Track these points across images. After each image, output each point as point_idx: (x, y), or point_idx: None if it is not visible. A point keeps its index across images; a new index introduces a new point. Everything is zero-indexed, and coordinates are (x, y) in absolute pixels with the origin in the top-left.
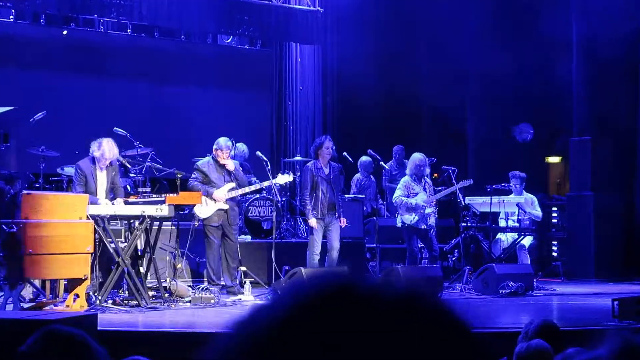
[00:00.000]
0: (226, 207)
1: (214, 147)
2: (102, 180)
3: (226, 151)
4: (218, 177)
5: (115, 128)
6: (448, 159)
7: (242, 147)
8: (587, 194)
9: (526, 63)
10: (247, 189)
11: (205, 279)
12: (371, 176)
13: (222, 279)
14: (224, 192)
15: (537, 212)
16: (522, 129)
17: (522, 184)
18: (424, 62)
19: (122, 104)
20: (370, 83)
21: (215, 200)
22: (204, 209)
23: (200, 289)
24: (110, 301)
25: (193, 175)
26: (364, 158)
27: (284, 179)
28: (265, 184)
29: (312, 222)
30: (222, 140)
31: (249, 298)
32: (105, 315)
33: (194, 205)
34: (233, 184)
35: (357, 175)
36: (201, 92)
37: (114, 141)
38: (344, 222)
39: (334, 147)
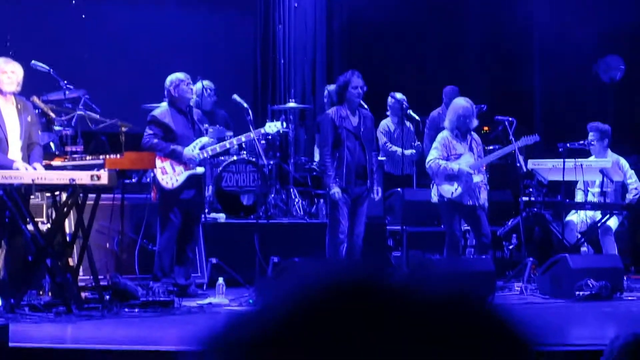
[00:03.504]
0: (201, 171)
1: (170, 85)
2: (11, 122)
3: (192, 85)
4: (185, 130)
5: (33, 62)
6: (504, 106)
7: (208, 84)
8: None
9: None
10: (227, 144)
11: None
12: (406, 122)
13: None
14: (197, 151)
15: (632, 182)
16: (608, 63)
17: (603, 140)
18: None
19: (39, 26)
20: None
21: (186, 163)
22: (172, 177)
23: (152, 289)
24: (26, 306)
25: (149, 132)
26: (396, 96)
27: (273, 127)
28: (251, 135)
29: (335, 191)
30: (179, 74)
31: (223, 301)
32: (19, 327)
33: (145, 170)
34: (206, 139)
35: (386, 122)
36: (153, 9)
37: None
38: (379, 193)
39: (364, 87)
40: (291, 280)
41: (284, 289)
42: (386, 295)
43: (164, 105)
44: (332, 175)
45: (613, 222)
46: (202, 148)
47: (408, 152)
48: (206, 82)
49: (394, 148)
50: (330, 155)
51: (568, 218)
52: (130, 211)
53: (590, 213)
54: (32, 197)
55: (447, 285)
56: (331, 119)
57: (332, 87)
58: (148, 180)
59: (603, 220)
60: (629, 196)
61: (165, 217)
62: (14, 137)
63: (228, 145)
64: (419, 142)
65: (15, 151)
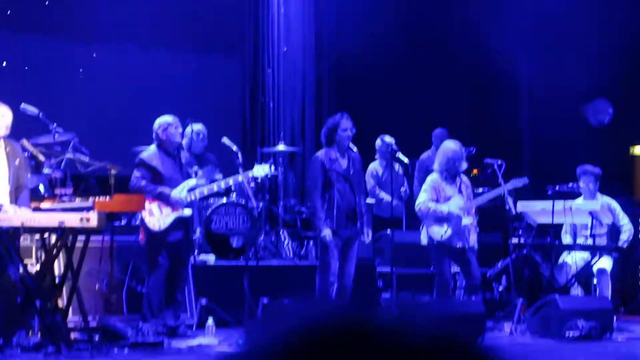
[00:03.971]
0: (189, 213)
1: (159, 128)
2: (0, 166)
3: (180, 129)
4: (173, 172)
5: (23, 105)
6: (492, 148)
7: (199, 128)
8: None
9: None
10: (214, 187)
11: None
12: (396, 165)
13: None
14: (184, 193)
15: (625, 223)
16: (597, 107)
17: (595, 183)
18: (460, 13)
19: (30, 70)
20: (384, 42)
21: (173, 205)
22: (159, 219)
23: (141, 330)
24: (16, 347)
25: (137, 174)
26: (384, 139)
27: (261, 170)
28: (239, 178)
29: (326, 234)
30: (167, 117)
31: (212, 342)
32: None
33: (134, 212)
34: (194, 181)
35: (374, 166)
36: (142, 52)
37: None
38: (369, 235)
39: (353, 129)
40: (280, 321)
41: (273, 330)
42: (375, 337)
43: (153, 147)
44: (322, 218)
45: (608, 264)
46: (189, 190)
47: (395, 202)
48: (199, 126)
49: (382, 195)
50: (320, 198)
51: (563, 260)
52: (119, 253)
53: (584, 255)
54: (21, 238)
55: (436, 327)
56: (321, 161)
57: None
58: (137, 222)
59: (593, 262)
60: (623, 237)
61: (153, 260)
62: (2, 181)
63: (216, 188)
64: (407, 188)
65: (2, 195)
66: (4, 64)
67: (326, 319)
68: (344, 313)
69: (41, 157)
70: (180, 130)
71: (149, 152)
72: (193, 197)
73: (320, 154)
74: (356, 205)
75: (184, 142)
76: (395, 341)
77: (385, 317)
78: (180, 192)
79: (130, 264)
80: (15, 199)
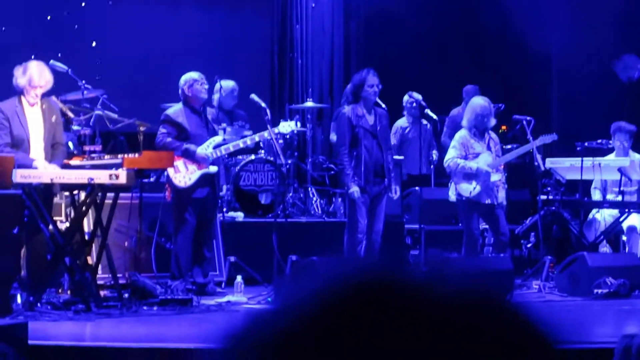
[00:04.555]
0: (214, 170)
1: (184, 84)
2: (35, 124)
3: (206, 85)
4: (199, 129)
5: (51, 62)
6: (522, 105)
7: (232, 85)
8: None
9: None
10: (240, 143)
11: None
12: (423, 121)
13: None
14: (210, 150)
15: None
16: (626, 63)
17: (630, 140)
18: None
19: (59, 27)
20: None
21: (199, 162)
22: (185, 175)
23: (170, 287)
24: (46, 304)
25: (163, 130)
26: (413, 95)
27: (287, 126)
28: (265, 135)
29: (354, 190)
30: (193, 73)
31: (241, 299)
32: (39, 325)
33: (163, 169)
34: (220, 138)
35: (401, 122)
36: (171, 9)
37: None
38: (397, 192)
39: (380, 85)
40: (309, 278)
41: (302, 287)
42: (405, 293)
43: (179, 104)
44: (350, 175)
45: (638, 221)
46: (215, 147)
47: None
48: (230, 83)
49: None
50: (348, 154)
51: (594, 216)
52: (147, 210)
53: (613, 212)
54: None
55: (465, 283)
56: (348, 118)
57: None
58: (153, 178)
59: (621, 219)
60: None
61: (180, 217)
62: (37, 138)
63: (242, 145)
64: (437, 154)
65: (37, 152)
66: (49, 18)
67: (354, 276)
68: (372, 270)
69: (70, 114)
70: (206, 86)
71: (175, 109)
72: (219, 154)
73: (347, 110)
74: (384, 161)
75: (215, 98)
76: (424, 298)
77: (413, 274)
78: (206, 148)
79: (158, 221)
80: (51, 155)
